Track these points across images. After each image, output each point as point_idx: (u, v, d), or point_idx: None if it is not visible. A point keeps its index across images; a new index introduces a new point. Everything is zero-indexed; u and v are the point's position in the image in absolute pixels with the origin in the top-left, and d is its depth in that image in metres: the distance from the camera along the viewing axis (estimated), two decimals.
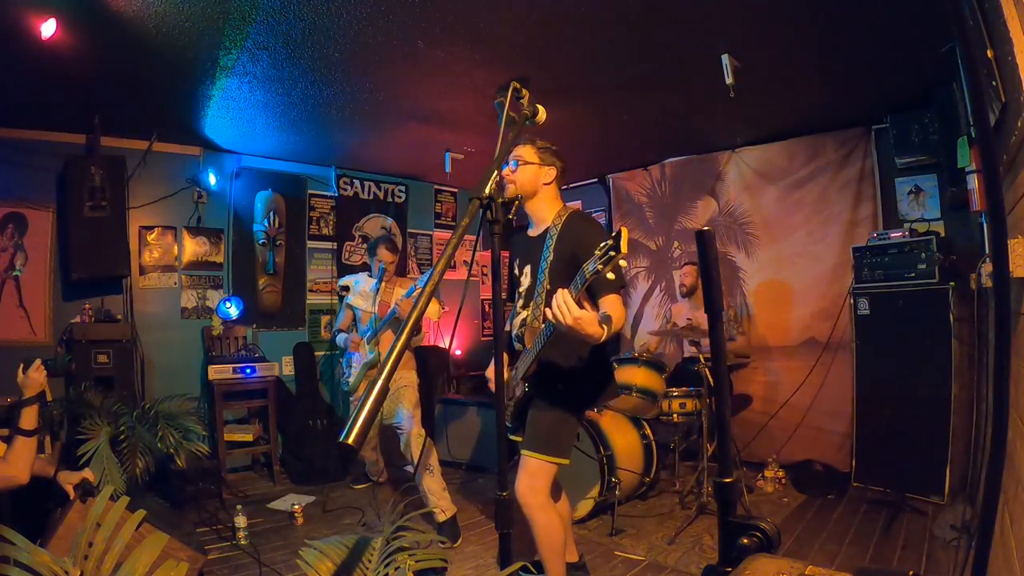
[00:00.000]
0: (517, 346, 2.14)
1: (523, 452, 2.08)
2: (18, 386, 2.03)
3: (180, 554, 2.07)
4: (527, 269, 2.12)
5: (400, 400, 3.26)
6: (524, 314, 2.09)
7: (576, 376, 2.08)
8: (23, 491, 2.08)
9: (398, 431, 3.24)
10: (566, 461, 2.07)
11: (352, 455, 3.99)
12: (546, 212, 2.09)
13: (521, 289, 2.14)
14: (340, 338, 3.62)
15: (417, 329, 0.90)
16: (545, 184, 2.08)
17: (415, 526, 1.45)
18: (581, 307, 1.62)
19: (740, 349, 4.16)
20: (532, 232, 2.14)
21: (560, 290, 1.59)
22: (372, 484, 3.90)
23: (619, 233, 1.38)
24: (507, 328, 2.30)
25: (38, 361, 2.05)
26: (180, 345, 4.17)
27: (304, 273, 4.81)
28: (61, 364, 2.21)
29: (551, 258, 2.00)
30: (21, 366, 2.03)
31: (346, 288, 3.61)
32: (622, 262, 1.41)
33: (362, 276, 3.61)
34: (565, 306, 1.58)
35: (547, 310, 1.63)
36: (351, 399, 3.64)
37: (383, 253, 3.39)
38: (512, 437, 2.26)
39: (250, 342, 4.37)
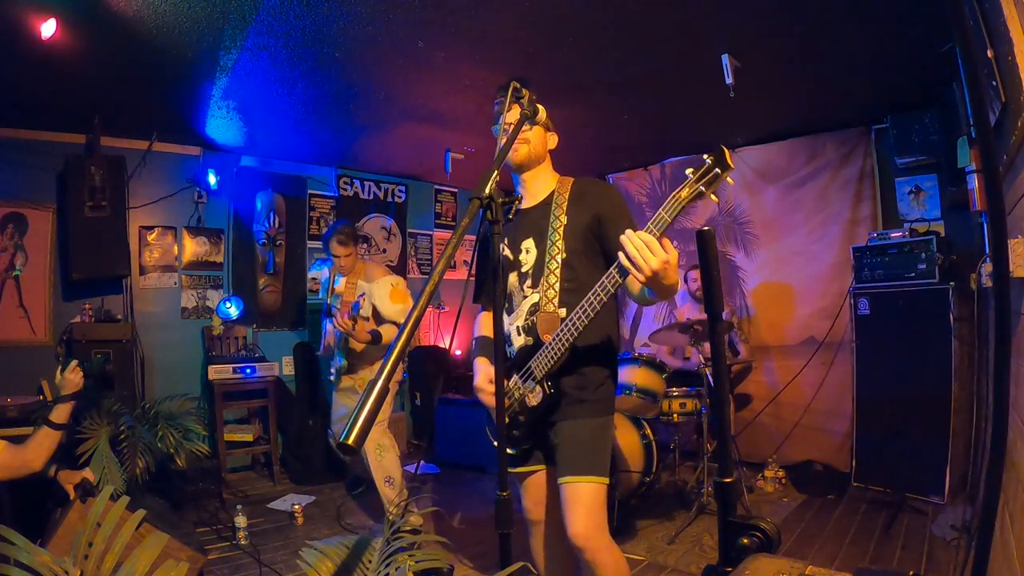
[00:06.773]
0: (520, 341, 1.69)
1: (571, 480, 1.59)
2: (55, 386, 2.13)
3: (180, 554, 2.07)
4: (526, 244, 1.74)
5: None
6: (533, 297, 1.68)
7: (611, 364, 1.72)
8: (22, 491, 2.10)
9: None
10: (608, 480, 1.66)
11: (353, 455, 3.95)
12: (546, 181, 1.80)
13: (523, 269, 1.73)
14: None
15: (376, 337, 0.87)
16: (550, 150, 1.83)
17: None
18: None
19: (743, 358, 4.15)
20: (527, 204, 1.80)
21: (632, 232, 1.25)
22: (367, 487, 3.81)
23: (721, 150, 1.19)
24: (485, 329, 1.90)
25: (75, 363, 2.14)
26: (180, 345, 4.17)
27: (304, 273, 4.81)
28: (98, 366, 2.25)
29: (564, 223, 1.67)
30: (59, 367, 2.13)
31: (315, 280, 3.41)
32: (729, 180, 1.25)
33: (326, 269, 3.36)
34: (646, 248, 1.22)
35: (621, 255, 1.26)
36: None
37: (334, 247, 3.12)
38: (515, 470, 1.83)
39: (250, 342, 4.37)
